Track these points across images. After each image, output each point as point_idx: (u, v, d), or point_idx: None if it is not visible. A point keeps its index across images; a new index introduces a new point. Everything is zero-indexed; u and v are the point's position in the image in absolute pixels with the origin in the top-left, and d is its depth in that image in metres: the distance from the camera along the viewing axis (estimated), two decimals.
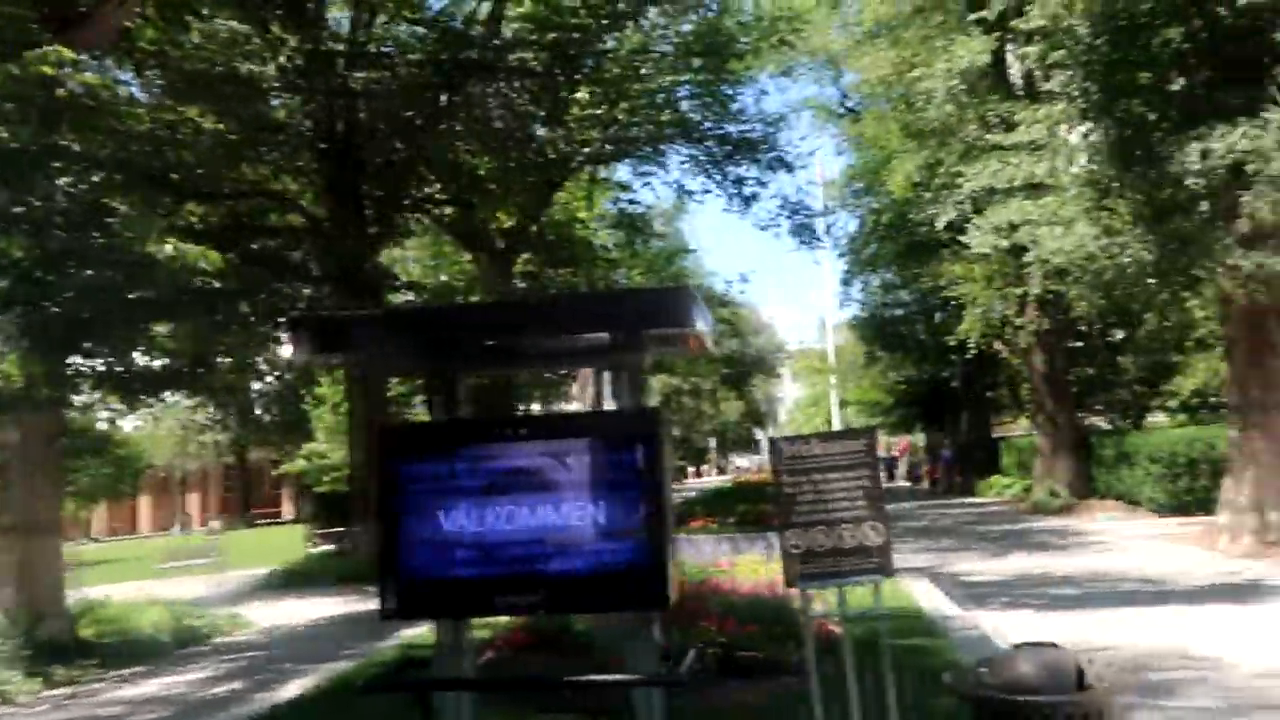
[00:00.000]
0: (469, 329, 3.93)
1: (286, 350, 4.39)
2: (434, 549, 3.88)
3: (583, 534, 3.80)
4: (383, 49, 16.61)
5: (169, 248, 9.37)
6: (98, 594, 12.55)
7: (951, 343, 24.79)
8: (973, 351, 23.87)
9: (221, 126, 15.20)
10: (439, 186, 20.06)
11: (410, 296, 26.74)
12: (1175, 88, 12.14)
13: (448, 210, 21.72)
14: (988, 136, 17.49)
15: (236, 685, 8.44)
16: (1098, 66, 12.01)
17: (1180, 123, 11.46)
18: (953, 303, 26.33)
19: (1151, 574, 10.95)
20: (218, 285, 10.75)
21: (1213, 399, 19.89)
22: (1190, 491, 16.56)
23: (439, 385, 4.29)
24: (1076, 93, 12.35)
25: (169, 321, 11.80)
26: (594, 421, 4.28)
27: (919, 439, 44.49)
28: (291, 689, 6.30)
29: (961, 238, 19.50)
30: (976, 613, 8.58)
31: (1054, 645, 3.33)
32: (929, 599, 8.29)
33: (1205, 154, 10.86)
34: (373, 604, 4.03)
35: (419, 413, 26.28)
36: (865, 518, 3.56)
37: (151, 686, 8.84)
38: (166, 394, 12.69)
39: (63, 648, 9.87)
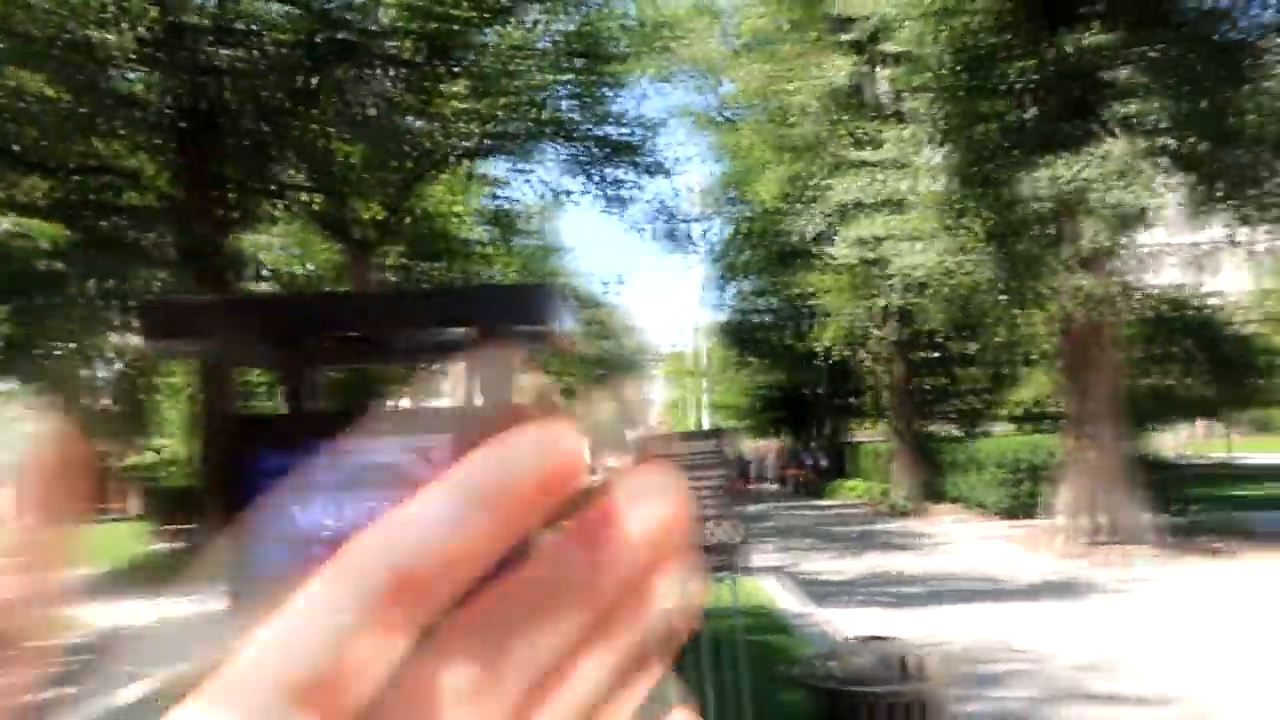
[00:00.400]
0: (326, 319, 3.85)
1: (134, 336, 4.16)
2: (288, 546, 3.81)
3: None
4: (250, 26, 15.96)
5: (6, 223, 8.76)
6: None
7: (814, 350, 25.72)
8: (832, 359, 24.82)
9: (69, 98, 14.30)
10: (304, 173, 19.42)
11: (271, 286, 25.80)
12: (1023, 117, 12.99)
13: (314, 198, 21.04)
14: (853, 152, 18.25)
15: (68, 689, 7.95)
16: (954, 92, 12.72)
17: (1026, 150, 12.26)
18: (816, 311, 27.32)
19: (988, 573, 11.66)
20: (59, 266, 10.09)
21: (1049, 410, 21.29)
22: (1027, 496, 17.68)
23: (296, 376, 4.20)
24: (934, 115, 13.03)
25: (2, 302, 11.04)
26: (460, 417, 4.28)
27: (779, 443, 45.84)
28: (132, 692, 5.99)
29: (827, 249, 20.30)
30: (827, 609, 8.95)
31: (891, 639, 3.53)
32: (782, 597, 8.60)
33: (1049, 180, 11.67)
34: (223, 604, 3.90)
35: (274, 405, 25.35)
36: (721, 516, 3.69)
37: None
38: None
39: None
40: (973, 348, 25.83)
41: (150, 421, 28.30)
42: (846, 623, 8.10)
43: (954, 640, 7.63)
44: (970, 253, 13.90)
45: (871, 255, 18.44)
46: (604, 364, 48.08)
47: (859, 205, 18.33)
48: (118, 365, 16.80)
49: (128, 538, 22.96)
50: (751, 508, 26.33)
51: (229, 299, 4.45)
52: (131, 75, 15.83)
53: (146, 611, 12.37)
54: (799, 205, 23.38)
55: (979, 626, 8.22)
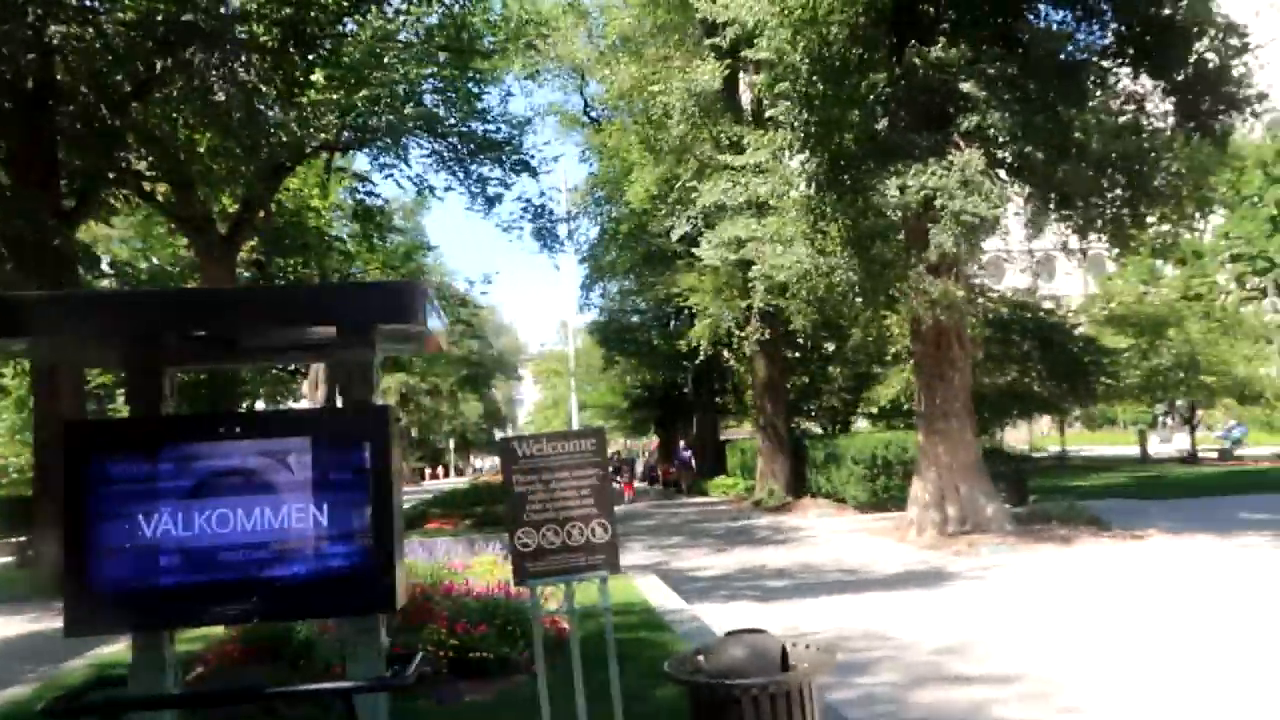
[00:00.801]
0: (180, 319, 3.61)
1: None
2: (132, 556, 3.55)
3: (304, 537, 3.62)
4: (86, 2, 14.93)
5: None
6: None
7: (683, 349, 26.06)
8: (702, 358, 25.21)
9: None
10: (150, 160, 18.31)
11: (113, 282, 24.23)
12: (879, 127, 13.50)
13: (159, 188, 19.88)
14: (720, 156, 18.58)
15: None
16: (814, 100, 13.09)
17: (882, 158, 12.74)
18: (685, 311, 27.70)
19: (851, 565, 12.08)
20: None
21: (905, 407, 22.23)
22: (887, 490, 18.43)
23: (142, 378, 3.93)
24: (796, 123, 13.39)
25: None
26: (318, 419, 4.10)
27: (650, 441, 46.24)
28: None
29: (694, 250, 20.59)
30: (699, 605, 9.05)
31: (761, 631, 3.59)
32: (656, 594, 8.66)
33: (902, 189, 12.16)
34: (58, 621, 3.62)
35: (122, 409, 23.84)
36: (593, 515, 3.66)
37: None
38: None
39: None
40: (830, 348, 26.80)
41: None
42: (717, 618, 8.22)
43: (820, 630, 7.86)
44: (830, 256, 14.36)
45: (736, 257, 18.84)
46: (472, 364, 47.46)
47: (724, 208, 18.70)
48: None
49: None
50: (623, 507, 26.46)
51: (71, 294, 4.13)
52: None
53: None
54: (667, 207, 23.66)
55: (843, 616, 8.49)
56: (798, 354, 27.49)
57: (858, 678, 6.27)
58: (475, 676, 5.51)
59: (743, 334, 22.98)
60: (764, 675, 3.33)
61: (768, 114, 15.29)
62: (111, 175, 17.95)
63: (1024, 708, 5.37)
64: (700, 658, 3.59)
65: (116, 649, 7.85)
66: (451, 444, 66.77)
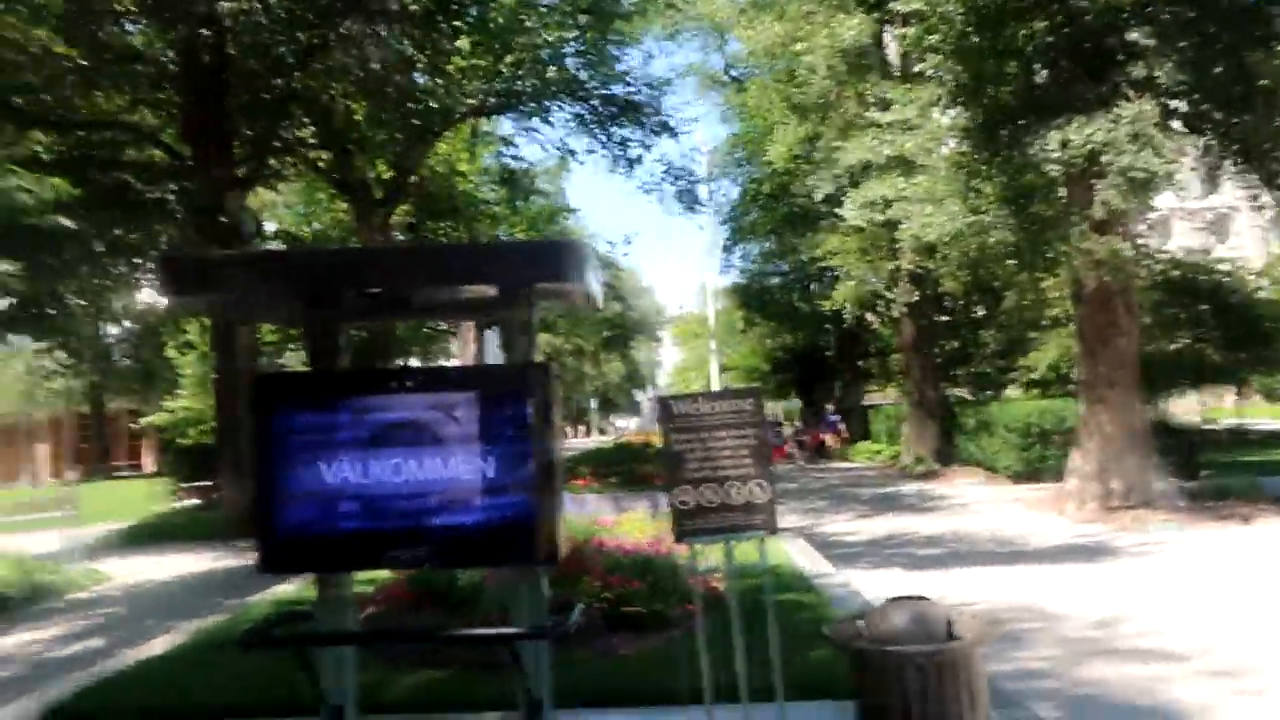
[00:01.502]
0: (352, 276, 3.78)
1: (145, 293, 4.11)
2: (315, 502, 3.76)
3: (470, 488, 3.74)
4: None
5: (14, 179, 8.69)
6: None
7: (826, 312, 25.55)
8: (846, 321, 24.67)
9: (72, 51, 14.13)
10: (311, 129, 19.23)
11: (278, 244, 25.65)
12: (1038, 79, 12.72)
13: (322, 155, 20.87)
14: (865, 114, 17.97)
15: (97, 642, 8.02)
16: (968, 53, 12.43)
17: (1042, 112, 12.01)
18: (828, 273, 27.11)
19: (1006, 535, 11.64)
20: (66, 222, 10.01)
21: (1064, 374, 21.14)
22: (1042, 459, 17.62)
23: (319, 334, 4.13)
24: (947, 76, 12.77)
25: (11, 259, 10.97)
26: (483, 375, 4.22)
27: (793, 405, 45.79)
28: (157, 645, 6.03)
29: (838, 210, 20.08)
30: (847, 571, 8.94)
31: (925, 599, 3.49)
32: (804, 558, 8.59)
33: (1064, 144, 11.43)
34: (241, 560, 3.91)
35: (289, 363, 25.39)
36: (751, 475, 3.64)
37: (3, 643, 8.32)
38: (10, 336, 11.81)
39: None
40: (982, 311, 25.69)
41: (166, 379, 28.36)
42: (866, 584, 8.10)
43: (980, 601, 7.62)
44: (983, 215, 13.70)
45: (883, 218, 18.26)
46: (614, 326, 48.06)
47: (870, 167, 18.12)
48: (129, 323, 16.75)
49: (146, 495, 23.13)
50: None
51: (250, 254, 4.36)
52: (132, 28, 15.62)
53: (168, 566, 12.47)
54: (810, 166, 23.12)
55: (999, 587, 8.21)
56: (947, 317, 26.52)
57: (1015, 651, 6.06)
58: (628, 629, 5.61)
59: (889, 296, 22.32)
60: (928, 644, 3.24)
61: (916, 68, 14.67)
62: (278, 144, 18.97)
63: (1201, 687, 5.05)
64: (861, 623, 3.53)
65: (291, 587, 8.42)
66: (594, 404, 68.02)
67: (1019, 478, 17.92)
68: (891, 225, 18.33)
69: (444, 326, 30.35)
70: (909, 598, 3.54)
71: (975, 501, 15.80)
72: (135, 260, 14.59)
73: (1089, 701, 4.99)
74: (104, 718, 4.46)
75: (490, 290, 4.02)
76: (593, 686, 4.49)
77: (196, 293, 3.85)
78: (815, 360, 36.06)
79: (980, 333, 26.15)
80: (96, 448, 45.13)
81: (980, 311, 25.87)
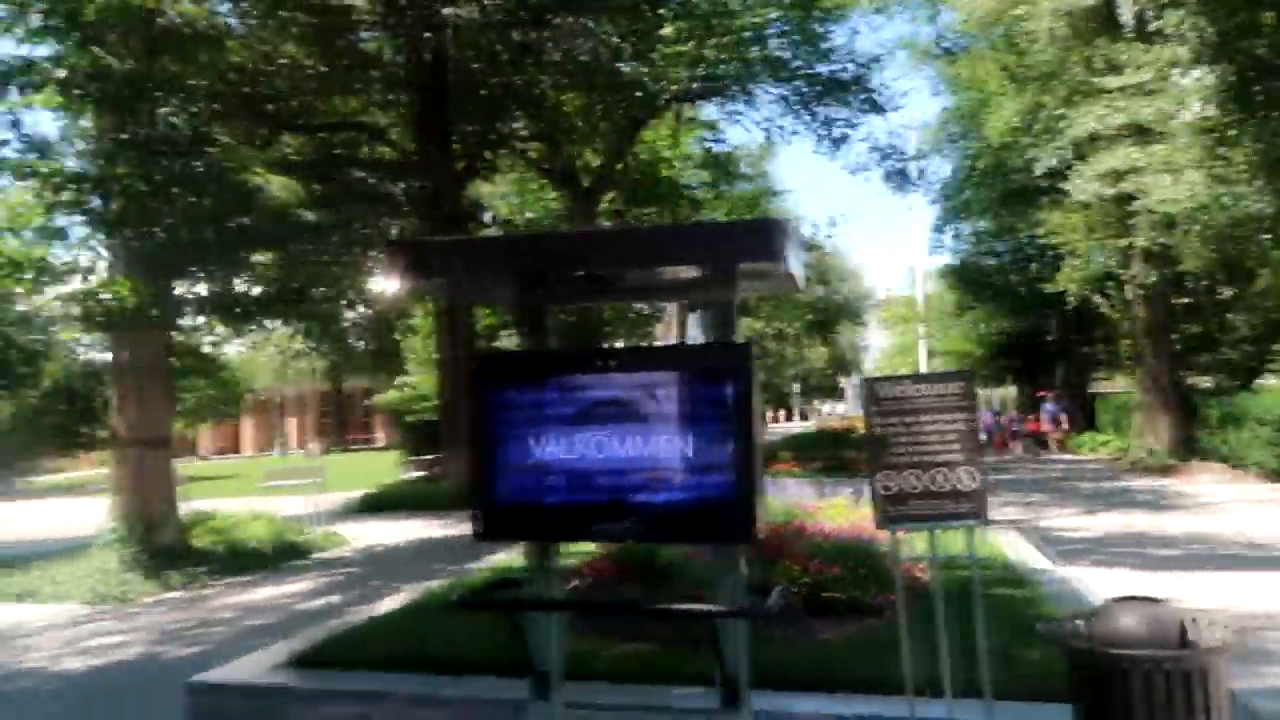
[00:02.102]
0: (562, 258, 3.92)
1: (379, 281, 4.48)
2: (526, 475, 3.95)
3: (671, 465, 3.81)
4: None
5: (262, 179, 9.61)
6: (206, 507, 13.21)
7: (1048, 294, 23.96)
8: (1071, 304, 23.05)
9: (314, 60, 15.44)
10: (527, 122, 20.07)
11: (498, 232, 27.00)
12: None
13: (535, 146, 21.76)
14: (1094, 80, 16.65)
15: (336, 598, 8.83)
16: (1215, 6, 11.24)
17: None
18: (1050, 253, 25.38)
19: (1258, 539, 10.53)
20: (311, 216, 11.00)
21: None
22: None
23: (531, 316, 4.32)
24: (1191, 33, 11.61)
25: (265, 250, 12.15)
26: (685, 355, 4.26)
27: (1009, 393, 43.39)
28: (387, 604, 6.56)
29: (1062, 185, 18.75)
30: (1068, 568, 8.39)
31: (1157, 600, 3.22)
32: (1017, 551, 8.14)
33: None
34: (461, 529, 4.18)
35: (506, 345, 26.71)
36: (960, 462, 3.48)
37: (257, 595, 9.32)
38: (265, 320, 13.12)
39: (176, 555, 10.47)
40: (1230, 292, 23.21)
41: (395, 360, 30.61)
42: (1088, 582, 7.57)
43: (1222, 609, 6.95)
44: (1233, 185, 12.39)
45: (1113, 191, 16.88)
46: (818, 309, 47.23)
47: (1099, 138, 16.79)
48: (363, 308, 18.20)
49: (380, 467, 25.13)
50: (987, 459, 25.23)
51: (467, 239, 4.61)
52: (368, 36, 16.86)
53: (397, 532, 13.51)
54: (1031, 139, 21.70)
55: (1246, 594, 7.45)
56: (1187, 299, 24.19)
57: (1266, 666, 5.48)
58: (827, 615, 5.54)
59: (1121, 277, 20.64)
60: (1161, 649, 2.99)
61: (1153, 27, 13.42)
62: (494, 138, 19.96)
63: None
64: (1081, 622, 3.31)
65: (506, 556, 8.90)
66: (796, 388, 67.28)
67: (1273, 476, 16.14)
68: (1123, 200, 16.98)
69: (648, 310, 30.96)
70: (1138, 597, 3.28)
71: (1219, 500, 14.37)
72: (368, 250, 15.82)
73: None
74: (343, 665, 4.90)
75: (694, 271, 4.06)
76: (790, 670, 4.46)
77: (418, 276, 4.13)
78: (1035, 346, 33.92)
79: (1228, 316, 23.71)
80: (335, 422, 49.42)
81: (1228, 292, 23.44)
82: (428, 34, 15.57)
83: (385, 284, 4.40)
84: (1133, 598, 3.27)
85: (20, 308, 18.26)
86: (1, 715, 5.79)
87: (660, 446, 3.83)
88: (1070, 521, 12.52)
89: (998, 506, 13.98)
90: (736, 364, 3.82)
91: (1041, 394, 30.04)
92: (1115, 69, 15.51)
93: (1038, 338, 33.65)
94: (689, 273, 4.10)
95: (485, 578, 5.35)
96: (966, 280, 32.84)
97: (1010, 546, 8.37)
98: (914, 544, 6.48)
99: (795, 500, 8.43)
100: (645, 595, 5.64)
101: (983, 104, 25.53)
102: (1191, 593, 7.60)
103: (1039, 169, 20.60)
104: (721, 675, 3.85)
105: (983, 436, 29.05)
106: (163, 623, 8.21)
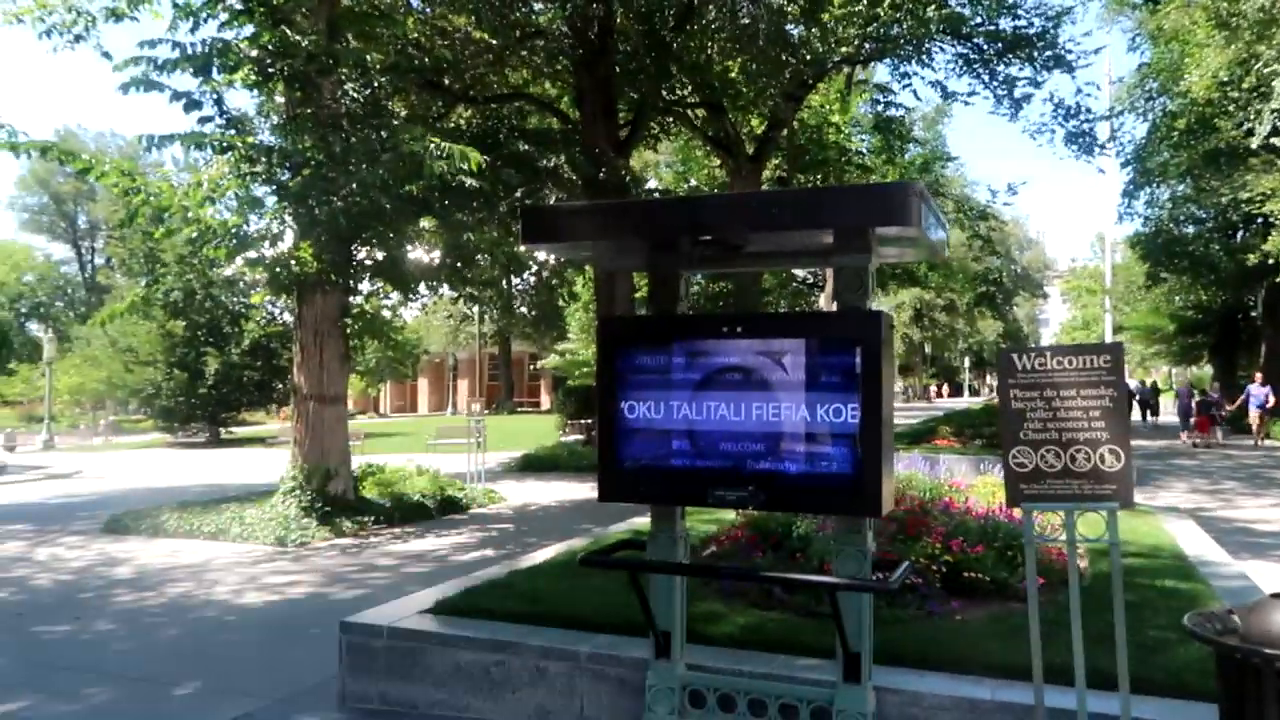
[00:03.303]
0: (689, 222, 3.90)
1: (541, 251, 4.63)
2: (650, 438, 3.99)
3: (795, 433, 3.76)
4: None
5: (433, 146, 10.01)
6: (378, 461, 14.09)
7: (1254, 264, 21.91)
8: None
9: (485, 33, 15.91)
10: (690, 89, 19.99)
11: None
12: None
13: (698, 113, 21.66)
14: None
15: (487, 552, 9.25)
16: None
17: None
18: (1259, 220, 23.16)
19: None
20: (476, 185, 11.39)
21: None
22: None
23: (660, 280, 4.34)
24: None
25: (435, 218, 12.70)
26: (812, 322, 4.18)
27: (1204, 372, 40.09)
28: (530, 559, 6.82)
29: (1276, 142, 17.03)
30: (1250, 562, 7.74)
31: None
32: (1192, 542, 7.53)
33: None
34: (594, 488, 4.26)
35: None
36: (1103, 440, 3.24)
37: (416, 545, 9.89)
38: (433, 285, 13.75)
39: (347, 504, 11.24)
40: None
41: (557, 326, 31.51)
42: (1271, 578, 6.95)
43: None
44: None
45: None
46: (991, 281, 45.06)
47: None
48: (528, 275, 18.77)
49: (541, 429, 26.00)
50: (1159, 444, 23.53)
51: (595, 203, 4.66)
52: (537, 7, 17.21)
53: (551, 492, 13.98)
54: (1241, 95, 19.79)
55: None
56: None
57: None
58: (968, 596, 5.32)
59: None
60: None
61: None
62: (657, 105, 19.98)
63: None
64: (1235, 616, 3.05)
65: (647, 520, 9.04)
66: (966, 363, 64.62)
67: None
68: None
69: (811, 279, 30.40)
70: None
71: None
72: None
73: None
74: (482, 614, 5.13)
75: (826, 236, 3.96)
76: (920, 649, 4.33)
77: (549, 240, 4.22)
78: (1234, 322, 31.13)
79: None
80: (503, 385, 51.41)
81: None
82: (594, 4, 15.74)
83: (521, 247, 4.53)
84: None
85: (227, 273, 19.93)
86: (185, 640, 6.41)
87: (784, 414, 3.78)
88: (1263, 514, 11.49)
89: (1177, 494, 13.02)
90: (867, 333, 3.71)
91: (1255, 376, 27.44)
92: None
93: (1238, 313, 30.88)
94: (822, 238, 3.99)
95: (618, 538, 5.46)
96: (1159, 250, 30.44)
97: (1185, 536, 7.77)
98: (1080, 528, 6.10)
99: (946, 476, 8.13)
100: (776, 565, 5.60)
101: (1185, 57, 23.45)
102: None
103: (1250, 128, 18.80)
104: (842, 648, 3.79)
105: (1173, 417, 26.90)
106: (332, 565, 8.84)
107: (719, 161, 24.76)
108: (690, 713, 4.08)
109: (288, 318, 19.73)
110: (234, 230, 11.22)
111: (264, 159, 10.84)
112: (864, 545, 3.85)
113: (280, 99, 12.15)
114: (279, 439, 24.06)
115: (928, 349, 59.58)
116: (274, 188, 11.13)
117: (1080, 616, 3.46)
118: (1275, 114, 17.83)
